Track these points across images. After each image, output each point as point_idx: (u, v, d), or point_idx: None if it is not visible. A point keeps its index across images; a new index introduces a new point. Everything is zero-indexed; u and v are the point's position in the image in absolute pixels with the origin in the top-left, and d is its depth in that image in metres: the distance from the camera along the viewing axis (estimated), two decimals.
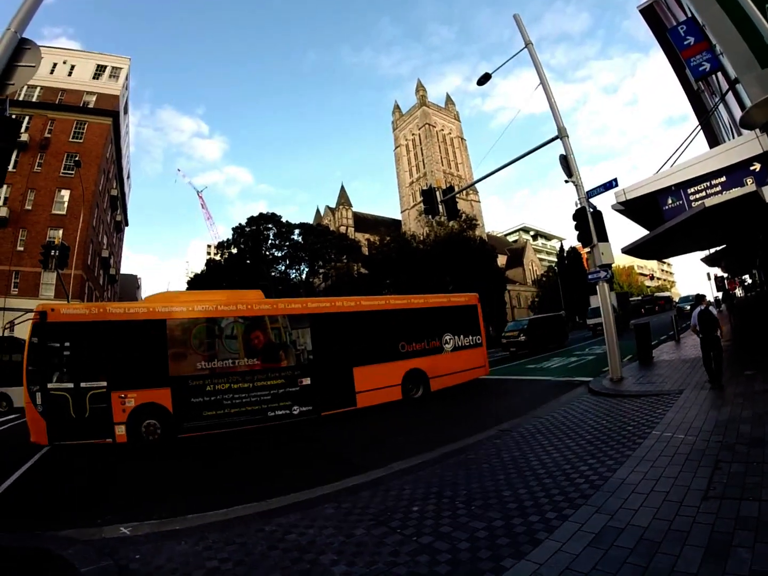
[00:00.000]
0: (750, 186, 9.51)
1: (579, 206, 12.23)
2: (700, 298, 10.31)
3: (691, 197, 11.05)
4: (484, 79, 15.16)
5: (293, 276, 51.98)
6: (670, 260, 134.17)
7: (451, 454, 6.95)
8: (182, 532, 4.77)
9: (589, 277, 12.24)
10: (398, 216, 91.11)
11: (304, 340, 11.95)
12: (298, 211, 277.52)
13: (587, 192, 12.32)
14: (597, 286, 12.15)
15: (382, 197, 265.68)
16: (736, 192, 9.50)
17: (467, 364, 14.86)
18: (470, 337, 15.28)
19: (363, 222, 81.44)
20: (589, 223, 11.91)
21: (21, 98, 36.74)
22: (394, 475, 6.10)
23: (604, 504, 4.27)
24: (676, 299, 70.19)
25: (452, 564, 3.54)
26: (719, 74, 11.82)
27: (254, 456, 8.99)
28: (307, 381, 11.54)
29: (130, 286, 76.05)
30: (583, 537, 3.69)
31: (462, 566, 3.50)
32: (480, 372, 15.37)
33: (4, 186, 33.09)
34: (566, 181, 12.52)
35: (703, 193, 10.80)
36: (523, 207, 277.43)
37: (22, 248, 33.56)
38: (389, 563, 3.66)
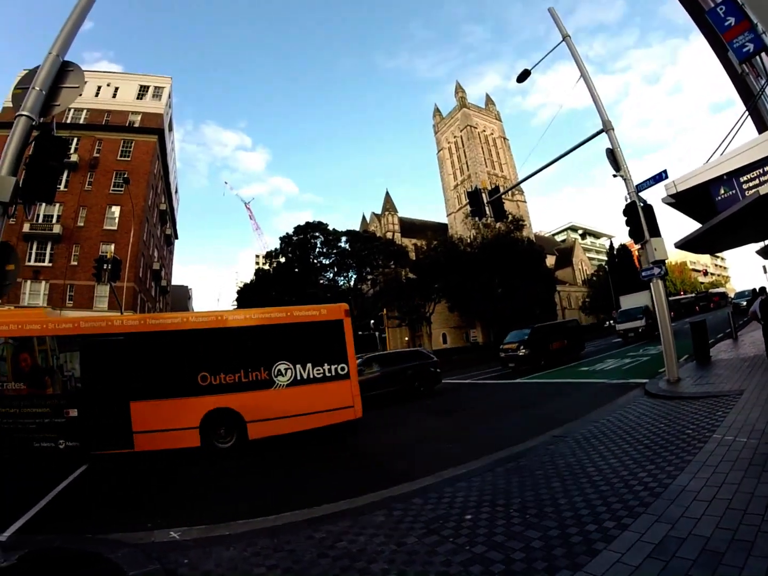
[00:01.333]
0: None
1: (629, 201, 11.83)
2: (763, 290, 11.69)
3: (744, 186, 10.56)
4: (523, 76, 14.94)
5: (342, 283, 52.63)
6: (724, 254, 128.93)
7: (504, 460, 6.80)
8: (231, 537, 4.81)
9: (643, 274, 11.81)
10: (444, 220, 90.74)
11: (73, 366, 10.19)
12: (343, 218, 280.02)
13: (636, 186, 11.91)
14: (651, 284, 11.71)
15: (428, 201, 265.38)
16: None
17: (319, 403, 10.93)
18: (326, 367, 11.20)
19: (409, 227, 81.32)
20: (640, 218, 11.50)
21: (69, 121, 38.58)
22: (446, 482, 6.00)
23: (664, 512, 4.07)
24: (732, 295, 67.30)
25: (506, 575, 3.42)
26: (763, 55, 11.26)
27: None
28: (74, 413, 9.83)
29: (181, 297, 78.52)
30: (643, 547, 3.52)
31: None
32: (344, 415, 11.13)
33: (57, 204, 34.87)
34: (614, 176, 12.15)
35: (757, 181, 10.29)
36: (570, 205, 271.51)
37: (75, 263, 35.17)
38: (441, 573, 3.57)
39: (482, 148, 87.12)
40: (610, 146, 12.24)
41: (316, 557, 4.09)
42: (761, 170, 10.19)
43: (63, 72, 5.45)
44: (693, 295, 70.73)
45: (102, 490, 7.95)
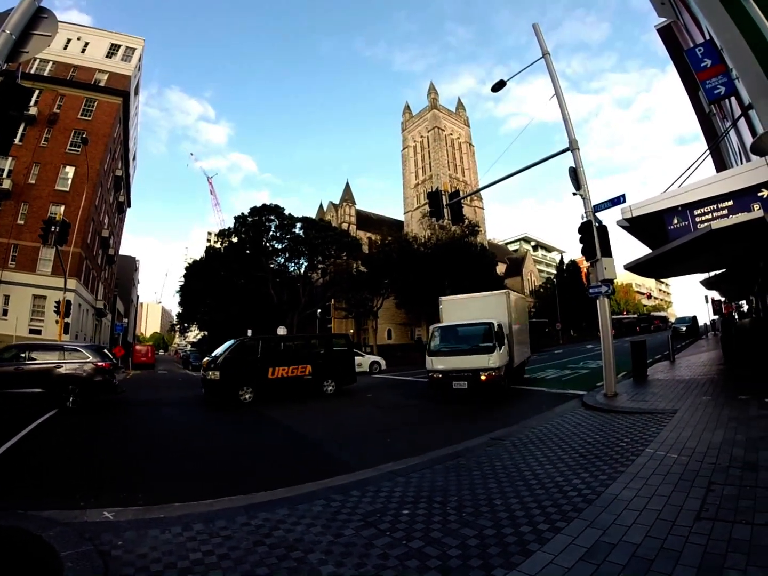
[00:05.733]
0: (757, 212, 9.53)
1: (585, 219, 12.16)
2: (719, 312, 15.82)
3: (698, 219, 11.01)
4: (498, 86, 15.05)
5: (292, 269, 52.22)
6: (669, 280, 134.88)
7: (443, 458, 6.90)
8: (166, 520, 4.69)
9: (591, 291, 12.15)
10: (401, 217, 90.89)
11: None
12: (300, 204, 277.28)
13: (594, 206, 12.25)
14: (597, 301, 12.08)
15: (387, 197, 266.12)
16: (743, 216, 9.50)
17: None
18: None
19: (366, 220, 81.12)
20: (594, 237, 11.83)
21: (33, 71, 36.67)
22: (384, 477, 6.05)
23: (596, 519, 4.23)
24: (672, 319, 70.45)
25: (442, 571, 3.48)
26: (732, 99, 11.80)
27: None
28: None
29: (128, 268, 76.22)
30: (575, 550, 3.65)
31: (452, 574, 3.45)
32: None
33: (9, 158, 33.07)
34: (574, 194, 12.45)
35: (710, 216, 10.76)
36: (526, 216, 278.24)
37: (22, 222, 33.46)
38: (378, 566, 3.60)
39: (447, 151, 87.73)
40: (574, 165, 12.53)
41: (253, 545, 4.04)
42: (715, 206, 10.66)
43: (36, 17, 5.10)
44: (635, 315, 73.85)
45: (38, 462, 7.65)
